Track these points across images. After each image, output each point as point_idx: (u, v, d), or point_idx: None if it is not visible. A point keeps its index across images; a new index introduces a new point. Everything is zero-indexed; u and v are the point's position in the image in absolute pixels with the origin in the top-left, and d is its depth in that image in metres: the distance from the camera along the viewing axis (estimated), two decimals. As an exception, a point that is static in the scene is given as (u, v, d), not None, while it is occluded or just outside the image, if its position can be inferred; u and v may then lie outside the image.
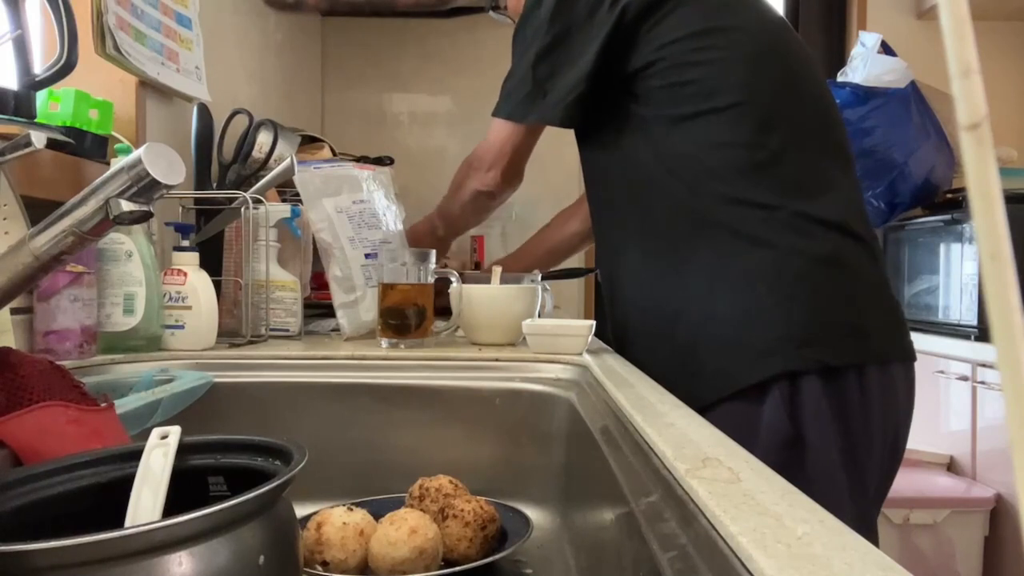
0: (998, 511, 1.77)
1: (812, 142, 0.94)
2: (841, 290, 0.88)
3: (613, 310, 1.06)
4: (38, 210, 0.72)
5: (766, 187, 0.88)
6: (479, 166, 1.13)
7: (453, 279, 1.07)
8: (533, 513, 0.78)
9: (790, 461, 0.82)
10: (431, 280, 1.06)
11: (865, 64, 1.98)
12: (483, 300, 1.07)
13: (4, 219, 0.80)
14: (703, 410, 0.82)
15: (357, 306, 1.12)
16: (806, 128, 0.94)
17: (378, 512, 0.68)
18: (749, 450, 0.47)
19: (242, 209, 1.07)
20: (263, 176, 1.12)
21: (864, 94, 1.94)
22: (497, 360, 0.95)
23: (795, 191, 0.89)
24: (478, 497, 0.72)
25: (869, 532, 0.89)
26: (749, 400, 0.85)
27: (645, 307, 0.98)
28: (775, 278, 0.87)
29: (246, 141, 1.23)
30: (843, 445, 0.83)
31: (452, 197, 1.22)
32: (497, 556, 0.66)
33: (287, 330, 1.12)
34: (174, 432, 0.44)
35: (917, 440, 1.91)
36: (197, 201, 1.16)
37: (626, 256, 1.01)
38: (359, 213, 1.16)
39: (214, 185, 1.22)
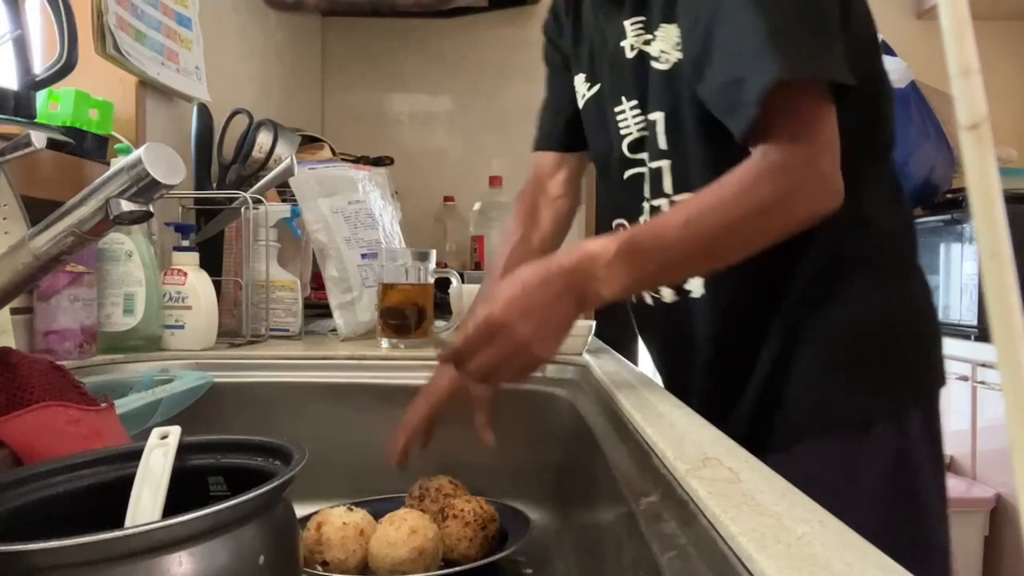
0: (998, 511, 1.77)
1: None
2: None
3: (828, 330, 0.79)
4: (38, 210, 0.72)
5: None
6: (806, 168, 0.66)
7: (453, 279, 1.07)
8: (533, 513, 0.78)
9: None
10: (431, 280, 1.06)
11: (865, 64, 1.98)
12: (483, 300, 1.07)
13: (4, 219, 0.80)
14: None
15: (354, 306, 1.12)
16: None
17: (378, 512, 0.68)
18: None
19: (242, 209, 1.07)
20: (263, 176, 1.12)
21: (864, 94, 1.94)
22: (497, 360, 0.95)
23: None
24: (478, 497, 0.72)
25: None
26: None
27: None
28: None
29: (246, 141, 1.23)
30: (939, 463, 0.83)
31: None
32: (497, 556, 0.66)
33: (287, 330, 1.12)
34: (174, 432, 0.44)
35: (917, 440, 1.91)
36: (197, 201, 1.16)
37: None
38: (355, 213, 1.16)
39: (214, 185, 1.22)
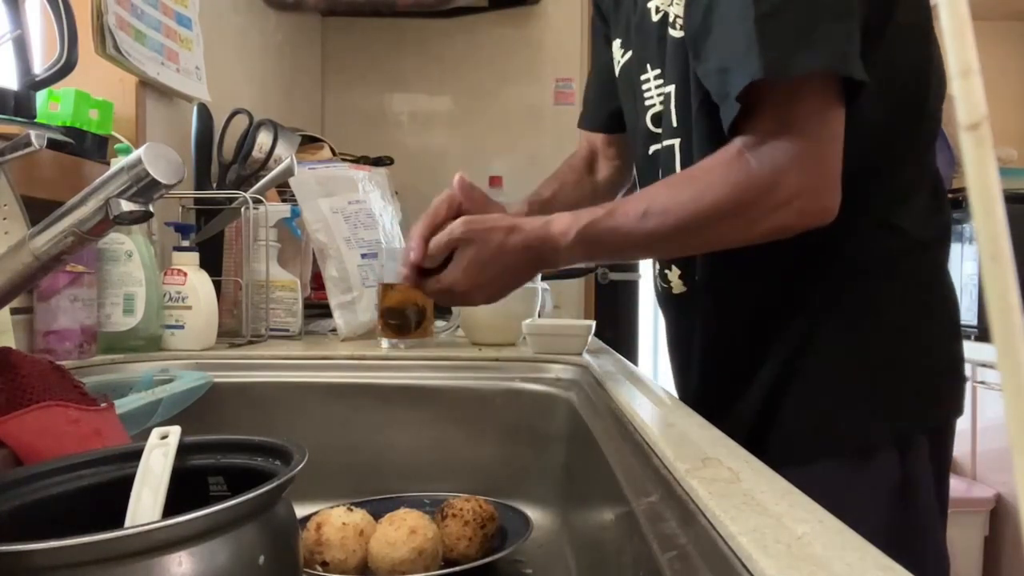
0: (998, 511, 1.77)
1: None
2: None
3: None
4: (38, 210, 0.72)
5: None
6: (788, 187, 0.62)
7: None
8: (533, 513, 0.78)
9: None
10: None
11: (865, 64, 1.98)
12: (483, 300, 1.07)
13: (4, 219, 0.80)
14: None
15: (354, 306, 1.12)
16: None
17: (378, 512, 0.68)
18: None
19: (242, 209, 1.07)
20: (263, 176, 1.12)
21: (864, 94, 1.94)
22: (497, 360, 0.95)
23: None
24: (477, 496, 0.72)
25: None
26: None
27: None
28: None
29: (246, 141, 1.23)
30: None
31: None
32: (497, 556, 0.66)
33: (287, 330, 1.12)
34: (174, 432, 0.44)
35: (917, 440, 1.91)
36: (197, 201, 1.16)
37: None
38: (355, 213, 1.16)
39: (214, 185, 1.22)
